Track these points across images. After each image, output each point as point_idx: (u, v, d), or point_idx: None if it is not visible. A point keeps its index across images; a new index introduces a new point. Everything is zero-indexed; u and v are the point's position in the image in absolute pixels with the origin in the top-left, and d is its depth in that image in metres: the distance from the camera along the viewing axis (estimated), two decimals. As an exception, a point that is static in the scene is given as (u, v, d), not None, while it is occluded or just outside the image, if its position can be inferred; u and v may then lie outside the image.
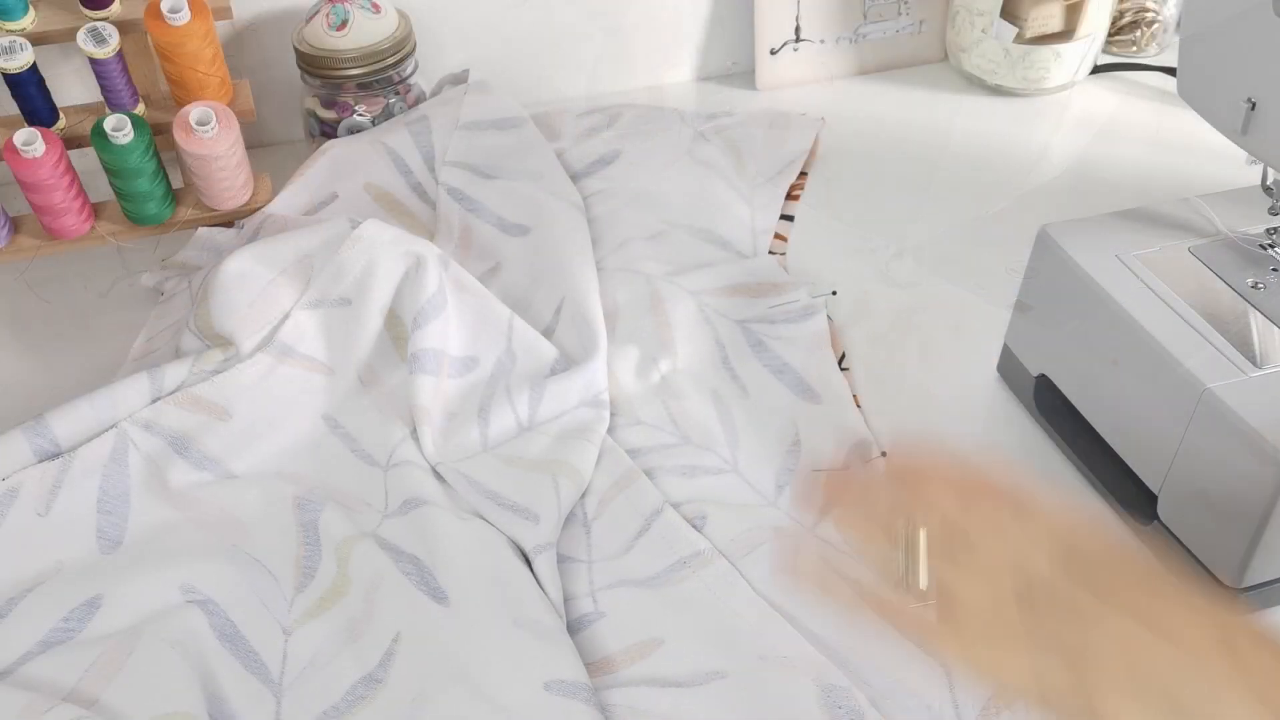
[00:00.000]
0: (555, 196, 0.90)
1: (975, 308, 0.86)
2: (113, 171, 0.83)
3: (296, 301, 0.77)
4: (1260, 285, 0.68)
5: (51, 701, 0.60)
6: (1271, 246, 0.71)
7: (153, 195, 0.85)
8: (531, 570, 0.67)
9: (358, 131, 0.96)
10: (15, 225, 0.86)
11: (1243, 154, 0.68)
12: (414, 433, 0.76)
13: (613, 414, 0.78)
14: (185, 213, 0.88)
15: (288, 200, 0.90)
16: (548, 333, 0.83)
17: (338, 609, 0.67)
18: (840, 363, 0.81)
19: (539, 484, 0.71)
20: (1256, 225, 0.72)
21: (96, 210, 0.87)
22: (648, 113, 1.03)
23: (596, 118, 1.03)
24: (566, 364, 0.80)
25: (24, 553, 0.68)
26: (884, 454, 0.74)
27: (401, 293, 0.78)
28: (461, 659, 0.63)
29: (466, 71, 1.02)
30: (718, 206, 0.93)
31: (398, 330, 0.79)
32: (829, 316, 0.84)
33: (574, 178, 0.95)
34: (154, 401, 0.73)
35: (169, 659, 0.62)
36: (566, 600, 0.67)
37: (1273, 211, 0.70)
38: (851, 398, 0.78)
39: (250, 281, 0.76)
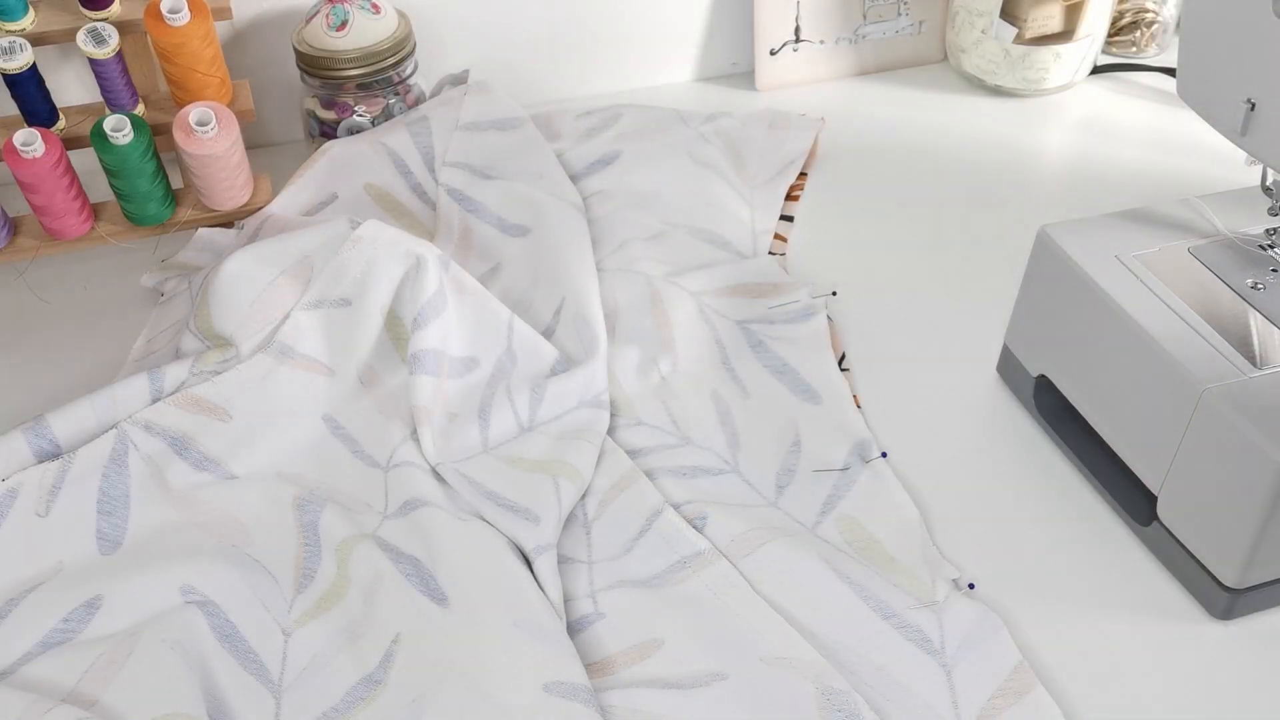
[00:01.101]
0: (555, 197, 0.90)
1: (975, 308, 0.86)
2: (112, 172, 0.83)
3: (297, 302, 0.77)
4: (1260, 286, 0.68)
5: (51, 703, 0.60)
6: (1271, 247, 0.71)
7: (152, 196, 0.85)
8: (532, 571, 0.67)
9: (357, 132, 0.96)
10: (15, 226, 0.86)
11: (1242, 154, 0.68)
12: (414, 433, 0.76)
13: (613, 414, 0.78)
14: (185, 213, 0.88)
15: (288, 201, 0.90)
16: (548, 333, 0.83)
17: (337, 610, 0.67)
18: (840, 363, 0.81)
19: (539, 485, 0.71)
20: (1256, 226, 0.72)
21: (96, 211, 0.87)
22: (647, 113, 1.03)
23: (596, 118, 1.03)
24: (567, 364, 0.80)
25: (24, 553, 0.68)
26: (884, 454, 0.74)
27: (401, 293, 0.78)
28: (461, 659, 0.63)
29: (466, 72, 1.02)
30: (718, 207, 0.93)
31: (398, 330, 0.79)
32: (829, 317, 0.84)
33: (573, 178, 0.96)
34: (154, 402, 0.73)
35: (168, 660, 0.62)
36: (567, 601, 0.67)
37: (1272, 212, 0.70)
38: (852, 398, 0.78)
39: (250, 282, 0.76)
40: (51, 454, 0.71)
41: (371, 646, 0.65)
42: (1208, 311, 0.67)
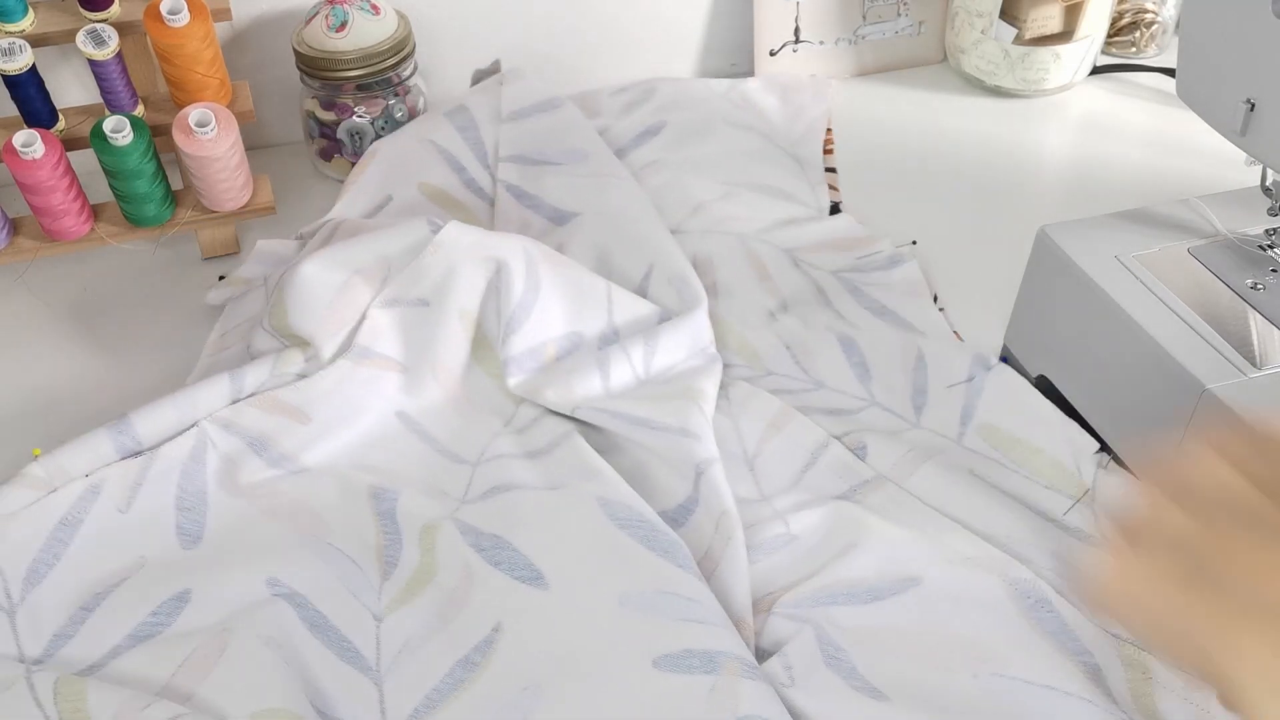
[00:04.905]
0: (606, 174, 0.92)
1: (975, 308, 0.86)
2: (112, 173, 0.83)
3: (372, 300, 0.77)
4: (1259, 286, 0.68)
5: (148, 698, 0.59)
6: (1271, 247, 0.71)
7: (152, 197, 0.85)
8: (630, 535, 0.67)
9: (358, 134, 0.96)
10: (15, 227, 0.86)
11: (1242, 155, 0.68)
12: (506, 425, 0.76)
13: (739, 365, 0.80)
14: (185, 214, 0.88)
15: (346, 207, 0.90)
16: (640, 294, 0.84)
17: (426, 594, 0.66)
18: (935, 302, 0.85)
19: (685, 408, 0.73)
20: (1256, 226, 0.72)
21: (96, 212, 0.87)
22: (678, 85, 1.07)
23: (632, 94, 1.06)
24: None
25: (108, 548, 0.68)
26: (1004, 359, 0.77)
27: (487, 303, 0.78)
28: (567, 644, 0.63)
29: (498, 61, 1.02)
30: (769, 163, 0.97)
31: (481, 337, 0.79)
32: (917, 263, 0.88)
33: (622, 150, 0.98)
34: (234, 403, 0.74)
35: (264, 656, 0.62)
36: (748, 527, 0.68)
37: (1272, 212, 0.70)
38: (953, 333, 0.82)
39: (326, 283, 0.76)
40: (134, 451, 0.71)
41: (465, 630, 0.64)
42: (1208, 311, 0.67)
